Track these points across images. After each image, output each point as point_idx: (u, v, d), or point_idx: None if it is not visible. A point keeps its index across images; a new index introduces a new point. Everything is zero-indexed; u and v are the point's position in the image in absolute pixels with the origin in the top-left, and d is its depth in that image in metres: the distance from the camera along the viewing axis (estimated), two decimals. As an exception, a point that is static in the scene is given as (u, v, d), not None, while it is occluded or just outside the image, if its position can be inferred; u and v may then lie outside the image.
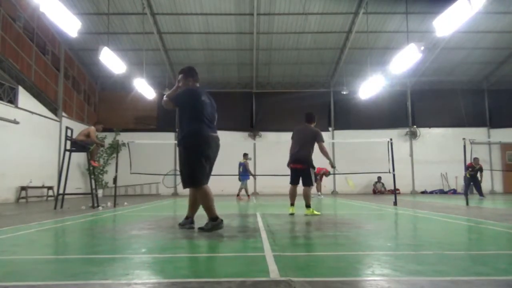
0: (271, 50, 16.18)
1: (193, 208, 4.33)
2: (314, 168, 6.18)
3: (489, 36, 15.14)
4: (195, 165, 3.92)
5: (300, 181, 6.19)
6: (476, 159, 12.22)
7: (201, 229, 3.99)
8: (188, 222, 4.31)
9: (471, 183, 12.50)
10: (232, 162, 13.13)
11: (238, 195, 12.92)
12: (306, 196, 6.15)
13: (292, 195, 6.23)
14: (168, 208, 8.74)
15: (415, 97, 18.49)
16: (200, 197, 4.00)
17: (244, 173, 12.65)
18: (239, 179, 12.75)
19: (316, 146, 6.18)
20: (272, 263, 2.44)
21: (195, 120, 4.01)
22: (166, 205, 9.60)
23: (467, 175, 10.80)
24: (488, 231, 4.34)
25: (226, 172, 11.58)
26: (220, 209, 7.74)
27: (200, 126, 4.00)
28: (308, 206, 6.13)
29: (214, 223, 3.94)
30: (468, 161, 9.22)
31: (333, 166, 6.49)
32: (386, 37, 15.19)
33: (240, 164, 12.80)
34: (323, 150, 6.12)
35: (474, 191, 13.21)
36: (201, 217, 4.35)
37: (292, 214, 6.01)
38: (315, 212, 6.10)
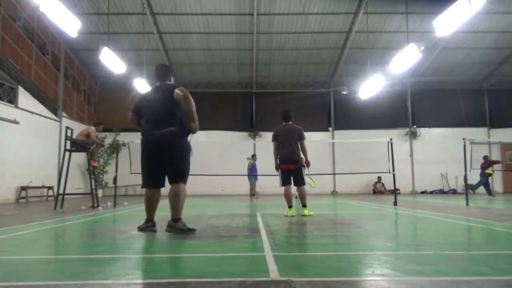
0: (271, 50, 16.17)
1: (172, 208, 4.19)
2: (305, 166, 6.14)
3: (489, 36, 15.14)
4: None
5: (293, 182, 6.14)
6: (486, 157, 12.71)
7: (138, 227, 4.10)
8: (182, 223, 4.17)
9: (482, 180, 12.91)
10: (232, 162, 13.14)
11: (253, 194, 12.98)
12: (305, 196, 6.11)
13: (290, 196, 6.08)
14: (168, 208, 8.74)
15: (415, 97, 18.49)
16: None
17: (252, 172, 12.82)
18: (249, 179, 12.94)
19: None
20: (272, 263, 2.44)
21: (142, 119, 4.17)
22: (166, 205, 9.59)
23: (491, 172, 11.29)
24: (488, 231, 4.34)
25: (226, 172, 11.59)
26: (220, 209, 7.76)
27: (144, 125, 4.13)
28: (305, 205, 6.10)
29: (147, 224, 4.08)
30: (468, 161, 9.24)
31: (308, 165, 6.27)
32: (386, 37, 15.19)
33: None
34: (304, 148, 6.12)
35: (477, 190, 13.49)
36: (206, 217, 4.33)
37: (292, 216, 5.86)
38: (310, 213, 6.07)
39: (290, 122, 6.30)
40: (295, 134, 6.11)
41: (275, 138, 6.23)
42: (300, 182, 6.08)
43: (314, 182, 6.58)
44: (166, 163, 4.02)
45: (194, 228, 4.09)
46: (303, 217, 5.76)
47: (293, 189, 6.24)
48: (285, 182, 6.08)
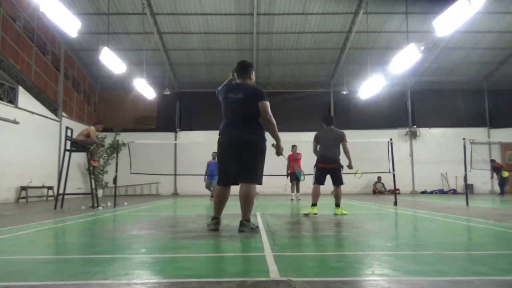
0: (271, 50, 16.17)
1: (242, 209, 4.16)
2: (343, 167, 6.30)
3: (489, 36, 15.14)
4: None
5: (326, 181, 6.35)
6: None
7: (241, 231, 4.02)
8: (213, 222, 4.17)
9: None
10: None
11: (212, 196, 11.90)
12: (339, 196, 6.28)
13: (317, 194, 6.17)
14: (168, 208, 8.74)
15: (415, 97, 18.49)
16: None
17: (212, 172, 11.78)
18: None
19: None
20: (272, 263, 2.44)
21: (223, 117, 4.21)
22: (166, 205, 9.60)
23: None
24: (488, 231, 4.34)
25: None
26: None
27: (221, 125, 4.21)
28: (338, 205, 6.22)
29: (211, 222, 4.09)
30: (468, 161, 9.24)
31: (351, 167, 6.44)
32: (386, 37, 15.19)
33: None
34: (346, 150, 6.32)
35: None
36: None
37: (315, 214, 5.93)
38: (344, 212, 6.16)
39: (332, 126, 6.51)
40: (337, 136, 6.35)
41: (316, 140, 6.44)
42: (338, 182, 6.26)
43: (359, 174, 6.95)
44: (241, 161, 3.98)
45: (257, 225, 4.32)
46: (303, 217, 5.76)
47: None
48: (319, 180, 6.20)
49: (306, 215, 5.94)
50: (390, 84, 17.15)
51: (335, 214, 6.08)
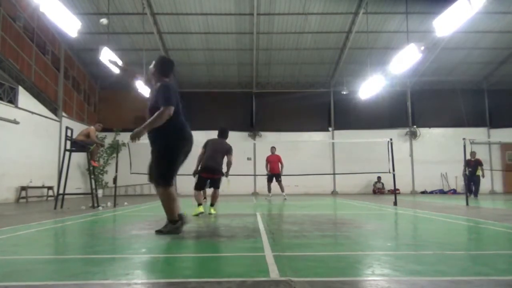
0: (271, 50, 16.17)
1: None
2: (225, 176, 6.72)
3: (489, 36, 15.14)
4: (171, 163, 3.85)
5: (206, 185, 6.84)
6: (472, 153, 12.34)
7: (159, 231, 3.86)
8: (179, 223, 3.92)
9: (472, 182, 12.53)
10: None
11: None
12: (217, 197, 6.76)
13: (200, 197, 6.65)
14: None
15: (415, 97, 18.49)
16: (164, 197, 3.82)
17: None
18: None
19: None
20: (272, 263, 2.44)
21: (179, 114, 3.93)
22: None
23: (466, 173, 10.66)
24: (488, 231, 4.34)
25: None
26: (219, 209, 7.74)
27: (184, 121, 3.99)
28: (213, 205, 6.71)
29: (173, 226, 3.83)
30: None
31: (226, 176, 6.79)
32: (386, 37, 15.18)
33: None
34: (230, 162, 6.70)
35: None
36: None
37: (202, 213, 6.25)
38: (215, 211, 6.66)
39: (225, 139, 6.85)
40: (224, 149, 6.66)
41: (204, 148, 6.71)
42: (218, 186, 6.72)
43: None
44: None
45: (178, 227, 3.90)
46: (303, 217, 5.77)
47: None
48: (200, 187, 6.63)
49: (197, 215, 6.15)
50: (390, 84, 17.14)
51: (210, 213, 6.41)
